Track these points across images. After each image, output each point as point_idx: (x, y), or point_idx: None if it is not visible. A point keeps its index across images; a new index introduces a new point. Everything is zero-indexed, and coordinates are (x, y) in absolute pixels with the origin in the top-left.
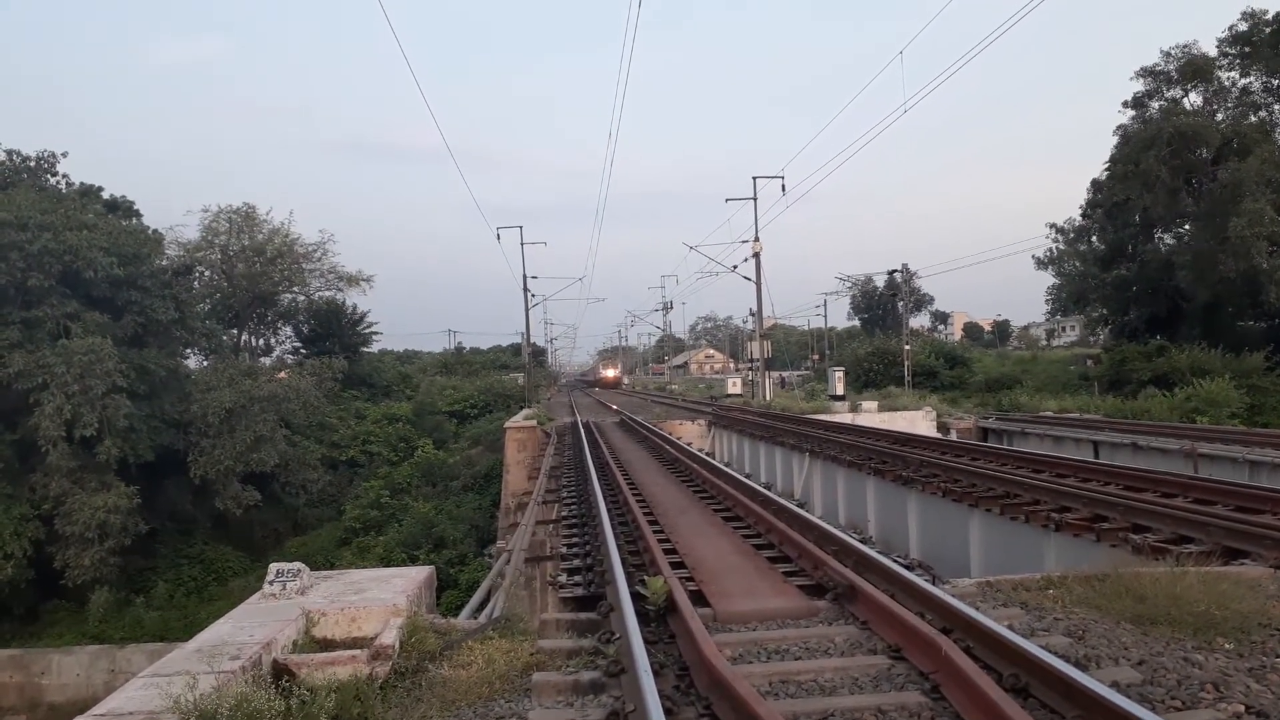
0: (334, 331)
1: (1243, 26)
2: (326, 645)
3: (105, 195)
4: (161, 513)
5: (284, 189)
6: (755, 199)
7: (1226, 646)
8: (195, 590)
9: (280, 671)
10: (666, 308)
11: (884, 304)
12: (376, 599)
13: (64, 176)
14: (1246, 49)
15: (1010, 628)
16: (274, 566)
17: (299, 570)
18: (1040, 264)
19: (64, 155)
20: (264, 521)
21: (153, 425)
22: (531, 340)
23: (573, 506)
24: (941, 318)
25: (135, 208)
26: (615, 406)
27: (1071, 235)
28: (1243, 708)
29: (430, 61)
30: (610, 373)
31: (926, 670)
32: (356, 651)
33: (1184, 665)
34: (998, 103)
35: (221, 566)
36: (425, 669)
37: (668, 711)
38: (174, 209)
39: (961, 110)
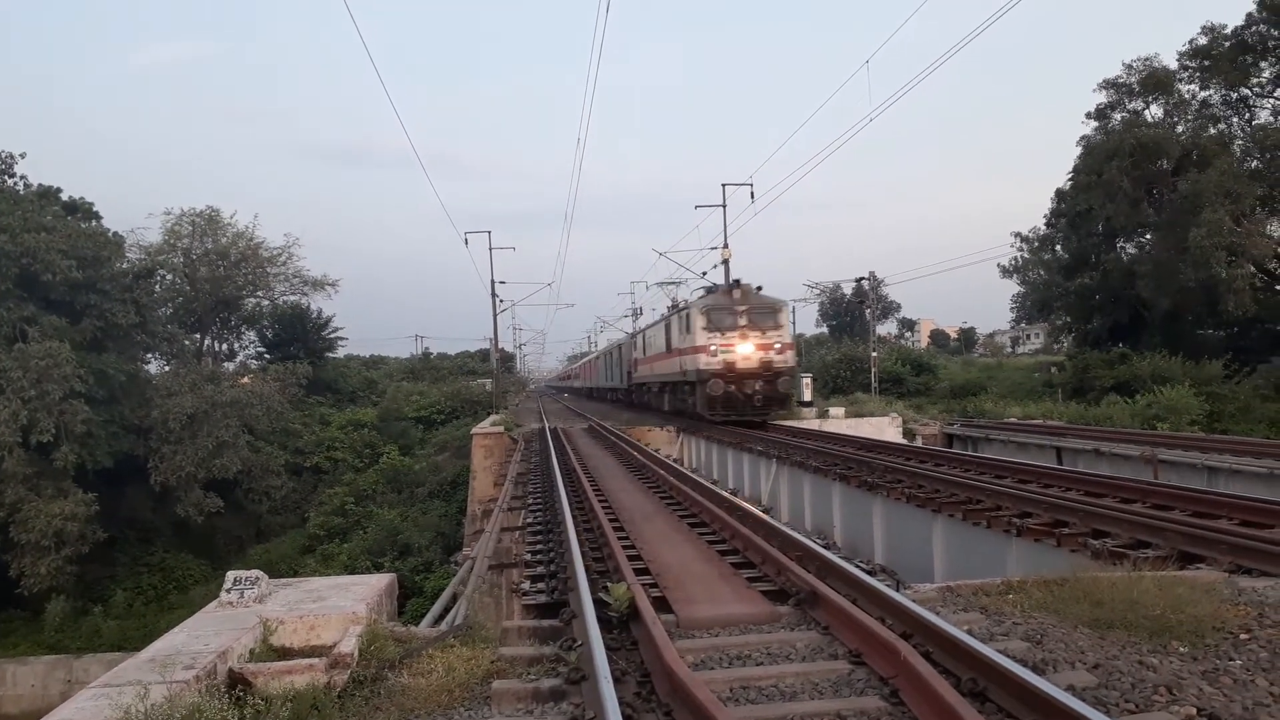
0: (299, 336)
1: (1203, 40)
2: (285, 654)
3: (64, 197)
4: (121, 520)
5: (249, 193)
6: (724, 206)
7: (1181, 650)
8: (155, 599)
9: (236, 681)
10: (636, 313)
11: (851, 311)
12: (336, 607)
13: (22, 178)
14: (1206, 63)
15: (970, 632)
16: (231, 574)
17: (257, 578)
18: (1005, 272)
19: (22, 156)
20: (226, 529)
21: (112, 431)
22: (500, 346)
23: (538, 513)
24: (908, 325)
25: (95, 210)
26: (583, 413)
27: (1036, 244)
28: (1195, 710)
29: (399, 66)
30: (748, 349)
31: (886, 675)
32: (314, 660)
33: (1139, 668)
34: (964, 113)
35: (182, 574)
36: (384, 677)
37: (627, 719)
38: (136, 211)
39: (929, 120)
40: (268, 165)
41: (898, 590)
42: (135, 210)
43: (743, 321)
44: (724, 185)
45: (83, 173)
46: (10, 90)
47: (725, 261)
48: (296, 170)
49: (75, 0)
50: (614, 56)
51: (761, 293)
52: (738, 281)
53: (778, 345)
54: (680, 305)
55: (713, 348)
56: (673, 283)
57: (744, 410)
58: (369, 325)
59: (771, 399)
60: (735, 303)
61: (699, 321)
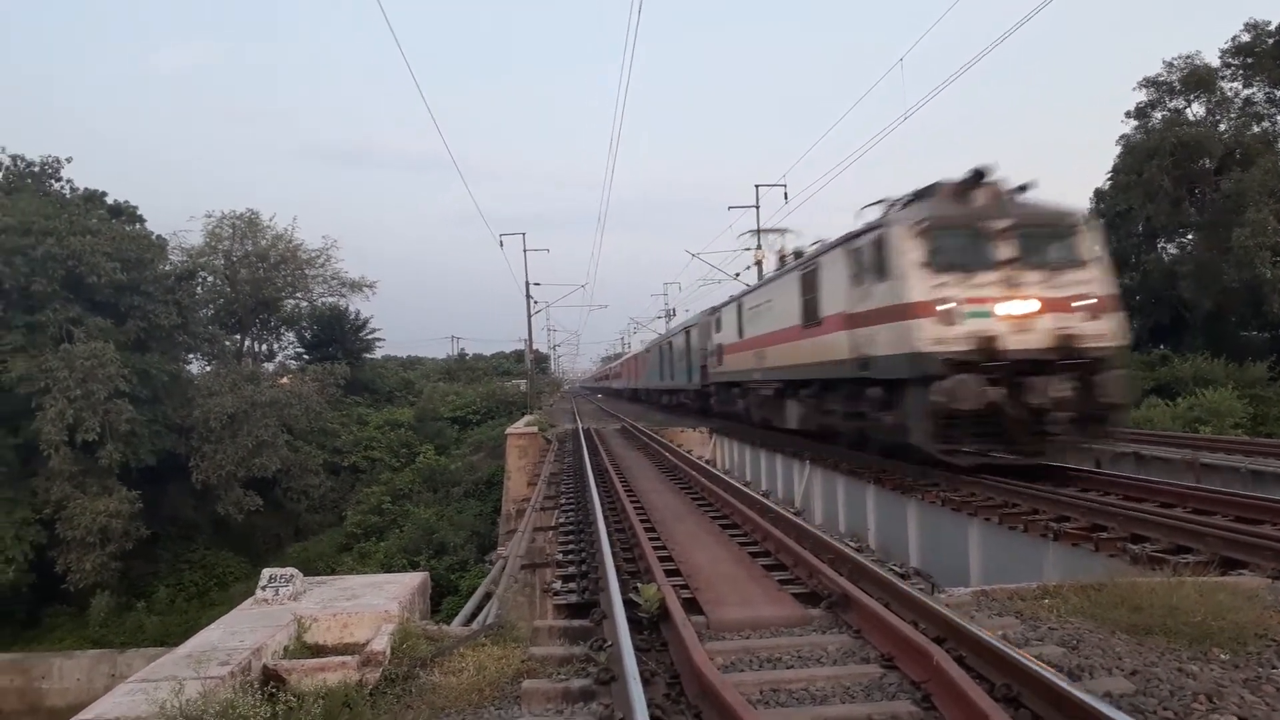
0: (337, 337)
1: (1245, 37)
2: (318, 651)
3: (109, 200)
4: (163, 517)
5: (288, 195)
6: (757, 207)
7: (1222, 657)
8: (196, 595)
9: (270, 677)
10: (669, 315)
11: None
12: (369, 605)
13: (68, 182)
14: (1249, 59)
15: (1004, 637)
16: (267, 572)
17: (292, 576)
18: None
19: (68, 160)
20: (265, 527)
21: (154, 430)
22: (534, 346)
23: (571, 513)
24: None
25: (139, 213)
26: (616, 414)
27: None
28: (1236, 719)
29: (435, 69)
30: (1028, 307)
31: (918, 680)
32: (347, 658)
33: (1178, 676)
34: (1001, 111)
35: (223, 571)
36: (416, 675)
37: None
38: (177, 214)
39: (965, 118)
40: (268, 165)
41: (931, 594)
42: (170, 215)
43: (1006, 252)
44: (757, 186)
45: (82, 171)
46: (12, 90)
47: (758, 263)
48: (331, 174)
49: (79, 3)
50: (651, 54)
51: (1029, 196)
52: (980, 174)
53: (1087, 299)
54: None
55: (951, 304)
56: (776, 230)
57: (1023, 438)
58: (405, 327)
59: (1085, 415)
60: (985, 214)
61: (911, 252)
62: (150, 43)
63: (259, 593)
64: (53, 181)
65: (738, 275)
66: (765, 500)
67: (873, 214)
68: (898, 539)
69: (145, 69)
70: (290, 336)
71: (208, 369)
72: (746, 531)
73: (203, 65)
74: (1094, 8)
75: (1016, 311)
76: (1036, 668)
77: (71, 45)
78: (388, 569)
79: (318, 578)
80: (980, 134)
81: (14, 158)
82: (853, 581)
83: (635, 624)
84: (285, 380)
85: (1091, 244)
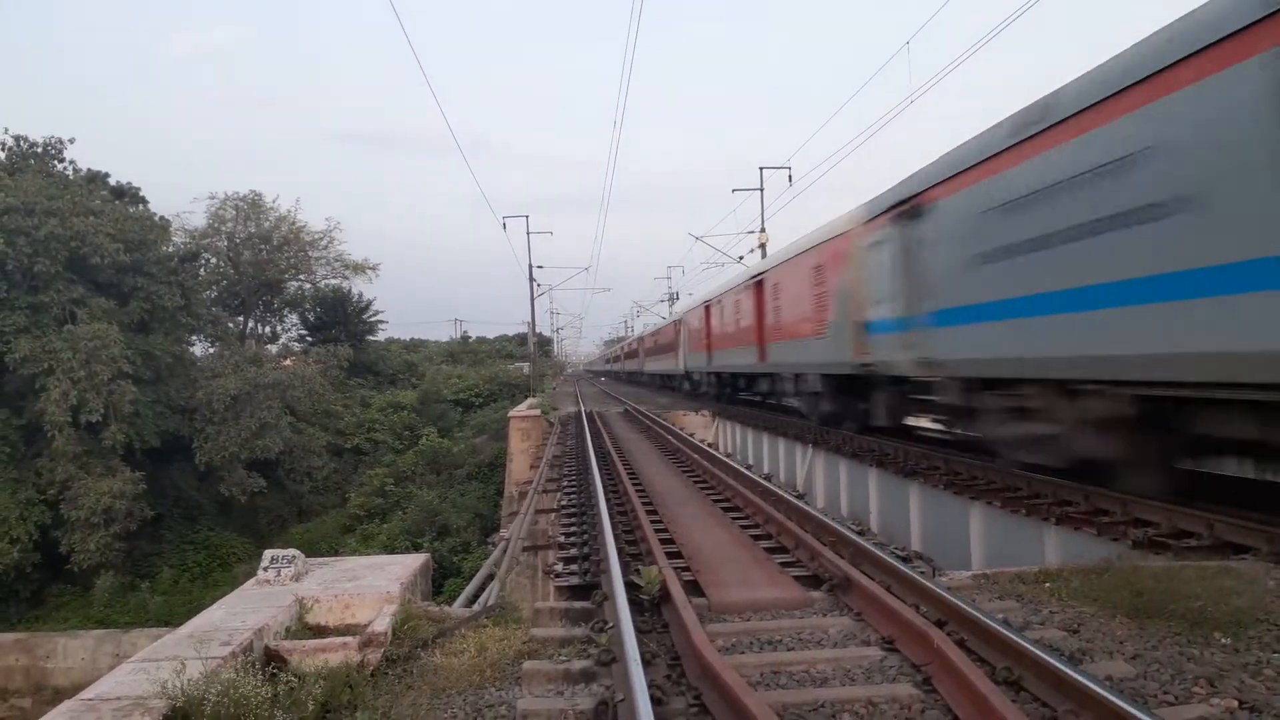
0: (340, 319)
1: None
2: (319, 632)
3: (112, 181)
4: (167, 498)
5: (291, 177)
6: (761, 190)
7: (1223, 641)
8: (200, 575)
9: (271, 658)
10: (672, 298)
11: None
12: (370, 586)
13: (71, 162)
14: None
15: (1005, 621)
16: (269, 553)
17: (294, 556)
18: None
19: (71, 141)
20: (269, 508)
21: (158, 411)
22: (537, 330)
23: (573, 495)
24: None
25: (142, 194)
26: (619, 396)
27: None
28: (1236, 703)
29: (438, 51)
30: None
31: (919, 662)
32: (348, 638)
33: (1179, 660)
34: (1008, 93)
35: (226, 552)
36: (417, 656)
37: (656, 701)
38: (180, 196)
39: (971, 102)
40: (305, 152)
41: (932, 577)
42: (174, 197)
43: None
44: (761, 169)
45: (122, 161)
46: (52, 82)
47: (762, 245)
48: (334, 156)
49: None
50: (655, 35)
51: None
52: None
53: None
54: None
55: None
56: None
57: None
58: (408, 309)
59: None
60: None
61: None
62: (183, 30)
63: (261, 573)
64: (56, 162)
65: (741, 259)
66: (767, 483)
67: None
68: (900, 522)
69: (180, 57)
70: (293, 318)
71: (211, 351)
72: (748, 514)
73: (235, 52)
74: None
75: None
76: (1037, 651)
77: (114, 36)
78: (391, 551)
79: (320, 559)
80: (990, 113)
81: (17, 138)
82: (854, 564)
83: (636, 606)
84: (288, 362)
85: None
